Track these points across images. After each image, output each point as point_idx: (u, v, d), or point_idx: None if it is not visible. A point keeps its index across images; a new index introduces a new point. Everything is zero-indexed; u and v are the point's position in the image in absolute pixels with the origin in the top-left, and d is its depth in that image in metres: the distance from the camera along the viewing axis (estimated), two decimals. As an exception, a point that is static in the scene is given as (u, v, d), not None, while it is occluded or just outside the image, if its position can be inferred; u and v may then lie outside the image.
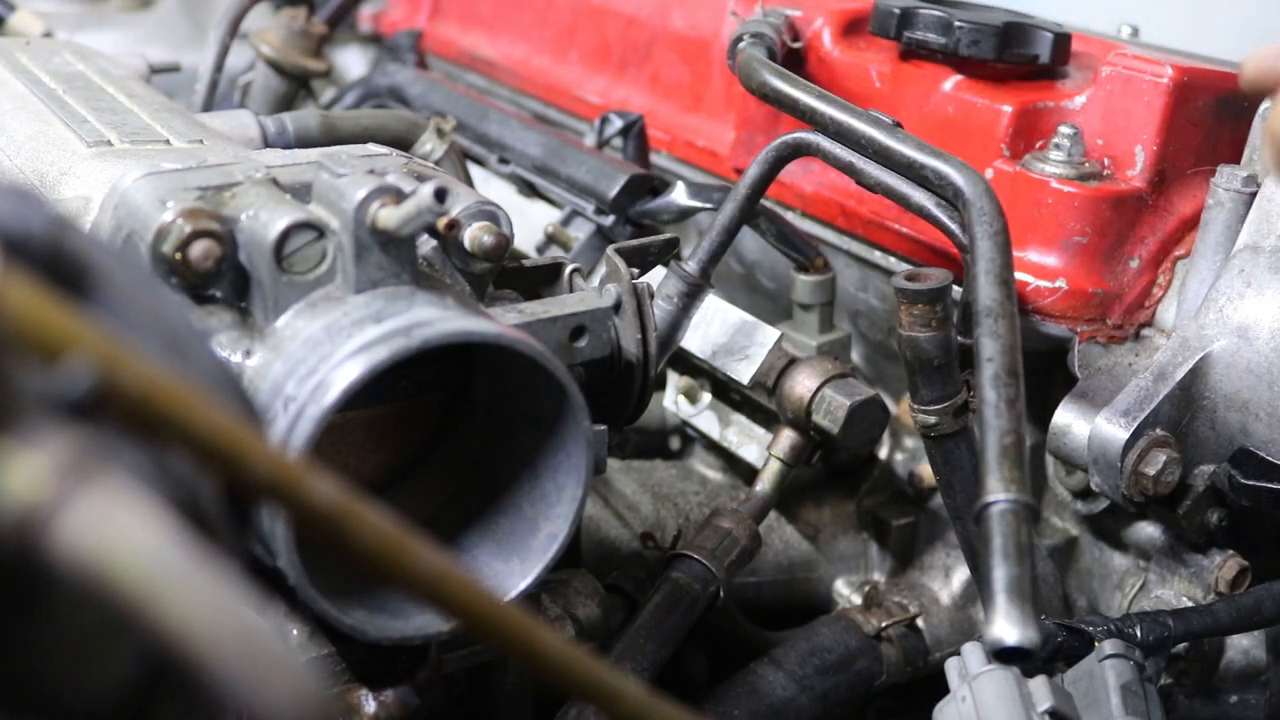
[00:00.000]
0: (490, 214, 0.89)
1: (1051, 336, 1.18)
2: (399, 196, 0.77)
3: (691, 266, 1.16)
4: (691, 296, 1.16)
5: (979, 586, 1.17)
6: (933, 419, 1.05)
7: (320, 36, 1.74)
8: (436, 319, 0.76)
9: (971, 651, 0.94)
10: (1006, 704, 0.89)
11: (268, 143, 1.25)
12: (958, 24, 1.21)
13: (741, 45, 1.28)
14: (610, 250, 0.99)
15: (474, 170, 1.50)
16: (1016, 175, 1.19)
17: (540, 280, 0.99)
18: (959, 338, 1.05)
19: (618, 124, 1.49)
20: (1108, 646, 0.99)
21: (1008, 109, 1.21)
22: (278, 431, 0.74)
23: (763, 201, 1.22)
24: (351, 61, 2.04)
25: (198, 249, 0.77)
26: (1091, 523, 1.27)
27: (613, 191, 1.37)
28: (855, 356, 1.43)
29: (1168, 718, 1.01)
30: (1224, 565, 1.16)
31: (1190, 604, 1.16)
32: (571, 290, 0.97)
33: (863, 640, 1.23)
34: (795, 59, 1.38)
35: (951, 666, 0.96)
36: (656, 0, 1.58)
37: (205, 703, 0.42)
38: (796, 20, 1.38)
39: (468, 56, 1.86)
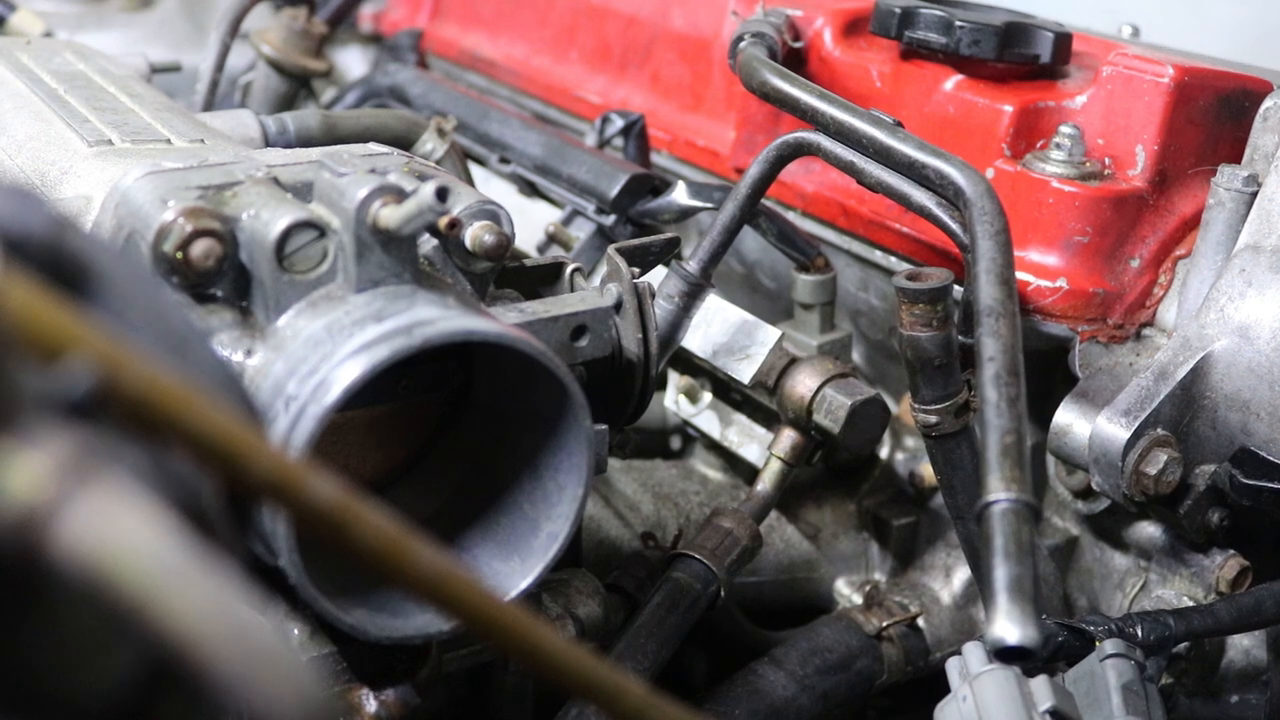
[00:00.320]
0: (491, 213, 0.89)
1: (1052, 336, 1.18)
2: (400, 196, 0.77)
3: (692, 266, 1.16)
4: (692, 296, 1.16)
5: (980, 586, 1.17)
6: (934, 418, 1.05)
7: (321, 36, 1.74)
8: (438, 318, 0.76)
9: (972, 651, 0.94)
10: (1007, 704, 0.89)
11: (269, 142, 1.25)
12: (958, 24, 1.20)
13: (742, 45, 1.28)
14: (611, 250, 0.99)
15: (475, 170, 1.50)
16: (1017, 175, 1.19)
17: (541, 280, 0.99)
18: (960, 337, 1.05)
19: (618, 124, 1.49)
20: (1109, 646, 0.98)
21: (1008, 109, 1.21)
22: (279, 431, 0.74)
23: (763, 201, 1.22)
24: (352, 61, 2.04)
25: (199, 248, 0.77)
26: (1092, 522, 1.27)
27: (613, 191, 1.37)
28: (856, 356, 1.43)
29: (1168, 717, 1.01)
30: (1225, 565, 1.16)
31: (1191, 604, 1.16)
32: (572, 290, 0.97)
33: (863, 640, 1.23)
34: (796, 59, 1.38)
35: (952, 666, 0.96)
36: (657, 0, 1.58)
37: (205, 703, 0.42)
38: (797, 20, 1.38)
39: (468, 56, 1.86)
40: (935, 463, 1.09)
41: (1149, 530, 1.21)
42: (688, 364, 1.35)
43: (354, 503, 0.47)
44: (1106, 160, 1.19)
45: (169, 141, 1.00)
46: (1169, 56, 1.21)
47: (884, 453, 1.38)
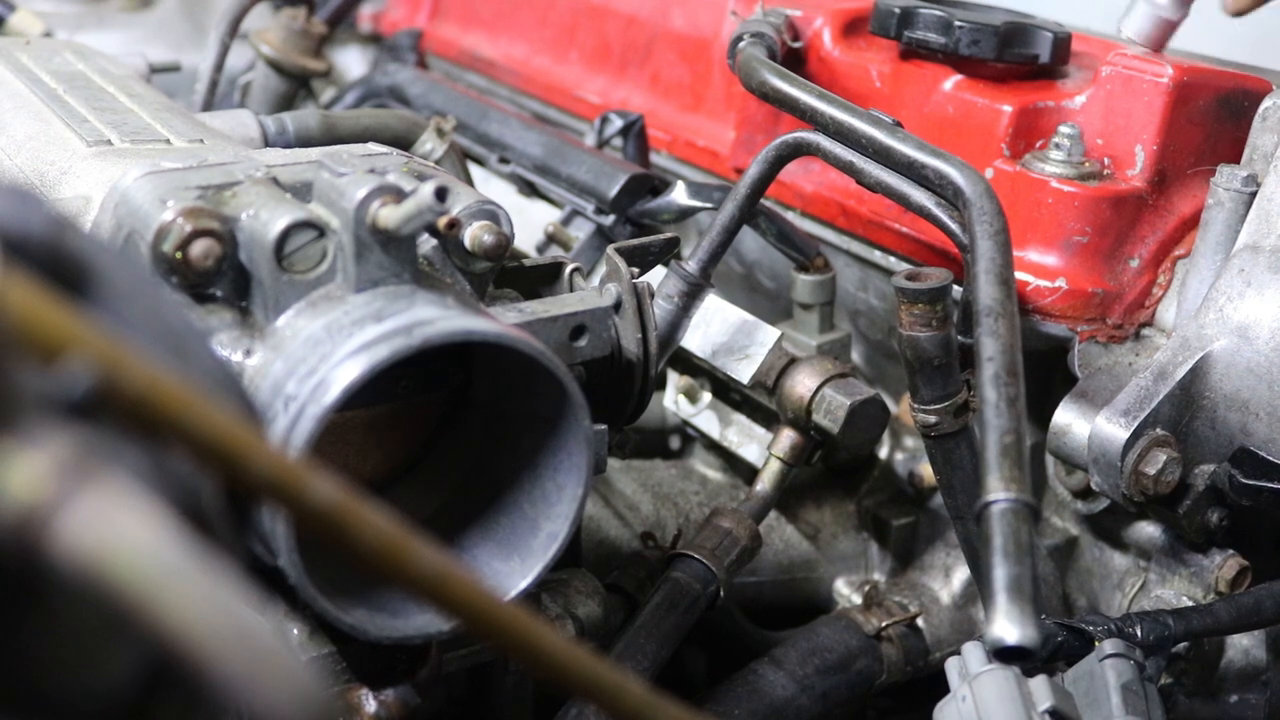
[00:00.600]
0: (491, 213, 0.89)
1: (1052, 336, 1.18)
2: (399, 196, 0.77)
3: (692, 266, 1.16)
4: (692, 296, 1.16)
5: (979, 586, 1.17)
6: (933, 418, 1.05)
7: (320, 36, 1.74)
8: (437, 318, 0.76)
9: (972, 651, 0.94)
10: (1007, 703, 0.89)
11: (268, 142, 1.25)
12: (958, 24, 1.21)
13: (741, 45, 1.28)
14: (610, 250, 0.99)
15: (474, 170, 1.50)
16: (1017, 175, 1.19)
17: (540, 280, 0.99)
18: (959, 337, 1.05)
19: (618, 124, 1.49)
20: (1108, 646, 0.99)
21: (1008, 109, 1.21)
22: (278, 431, 0.74)
23: (763, 201, 1.22)
24: (351, 61, 2.04)
25: (198, 248, 0.77)
26: (1091, 522, 1.27)
27: (613, 191, 1.37)
28: (855, 356, 1.43)
29: (1168, 717, 1.01)
30: (1224, 565, 1.16)
31: (1190, 604, 1.16)
32: (572, 290, 0.97)
33: (863, 640, 1.23)
34: (795, 59, 1.38)
35: (952, 666, 0.96)
36: (656, 0, 1.58)
37: (205, 702, 0.42)
38: (797, 20, 1.38)
39: (468, 56, 1.86)
40: (934, 463, 1.09)
41: (1148, 530, 1.21)
42: (687, 364, 1.35)
43: (354, 503, 0.47)
44: (1106, 160, 1.19)
45: (168, 141, 1.00)
46: (1168, 57, 1.22)
47: (883, 453, 1.38)
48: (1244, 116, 1.18)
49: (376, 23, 2.03)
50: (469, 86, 1.77)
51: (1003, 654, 0.73)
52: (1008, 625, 0.73)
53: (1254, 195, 1.12)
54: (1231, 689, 1.21)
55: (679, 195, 1.35)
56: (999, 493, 0.78)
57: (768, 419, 1.32)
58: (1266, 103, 1.15)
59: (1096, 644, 1.00)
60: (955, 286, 1.05)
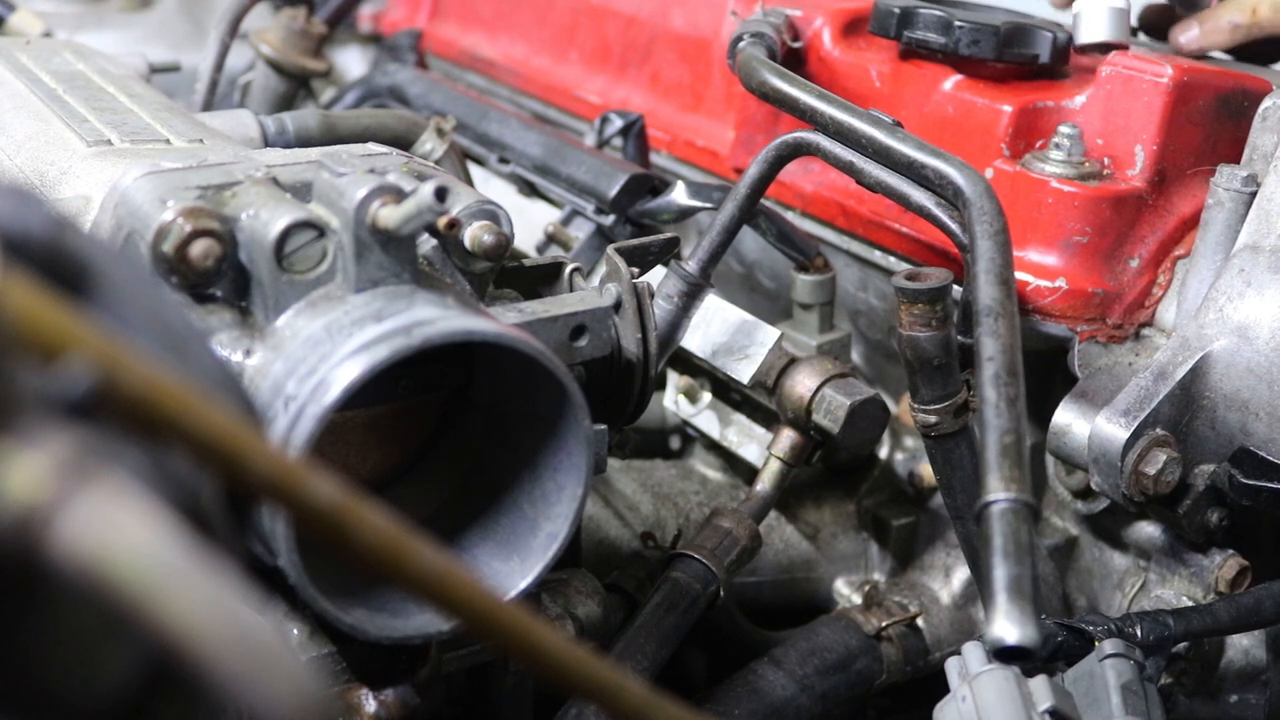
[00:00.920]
0: (491, 213, 0.88)
1: (1052, 336, 1.18)
2: (399, 196, 0.77)
3: (691, 266, 1.16)
4: (691, 296, 1.16)
5: (979, 586, 1.17)
6: (933, 418, 1.05)
7: (320, 36, 1.74)
8: (437, 318, 0.76)
9: (972, 651, 0.94)
10: (1007, 704, 0.89)
11: (268, 142, 1.25)
12: (958, 24, 1.21)
13: (741, 45, 1.28)
14: (610, 250, 0.99)
15: (474, 170, 1.50)
16: (1016, 175, 1.19)
17: (540, 280, 0.99)
18: (959, 337, 1.05)
19: (618, 124, 1.49)
20: (1108, 646, 0.99)
21: (1008, 109, 1.21)
22: (278, 431, 0.74)
23: (763, 201, 1.22)
24: (351, 61, 2.04)
25: (198, 248, 0.77)
26: (1091, 522, 1.27)
27: (613, 191, 1.37)
28: (855, 356, 1.43)
29: (1168, 717, 1.01)
30: (1224, 565, 1.16)
31: (1190, 604, 1.16)
32: (572, 290, 0.97)
33: (863, 640, 1.23)
34: (795, 59, 1.38)
35: (951, 666, 0.96)
36: (656, 0, 1.58)
37: (205, 702, 0.42)
38: (796, 20, 1.38)
39: (468, 56, 1.86)
40: (934, 463, 1.09)
41: (1148, 530, 1.21)
42: (687, 364, 1.35)
43: (353, 503, 0.47)
44: (1106, 160, 1.19)
45: (168, 141, 1.00)
46: (1168, 56, 1.22)
47: (883, 453, 1.38)
48: (1244, 116, 1.18)
49: (376, 23, 2.03)
50: (469, 86, 1.77)
51: (1003, 654, 0.73)
52: (1008, 625, 0.72)
53: (1254, 195, 1.12)
54: (1231, 689, 1.21)
55: (679, 195, 1.35)
56: (999, 493, 0.78)
57: (768, 419, 1.32)
58: (1266, 103, 1.15)
59: (1096, 644, 1.00)
60: (955, 286, 1.05)
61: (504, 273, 0.95)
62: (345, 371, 0.73)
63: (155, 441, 0.43)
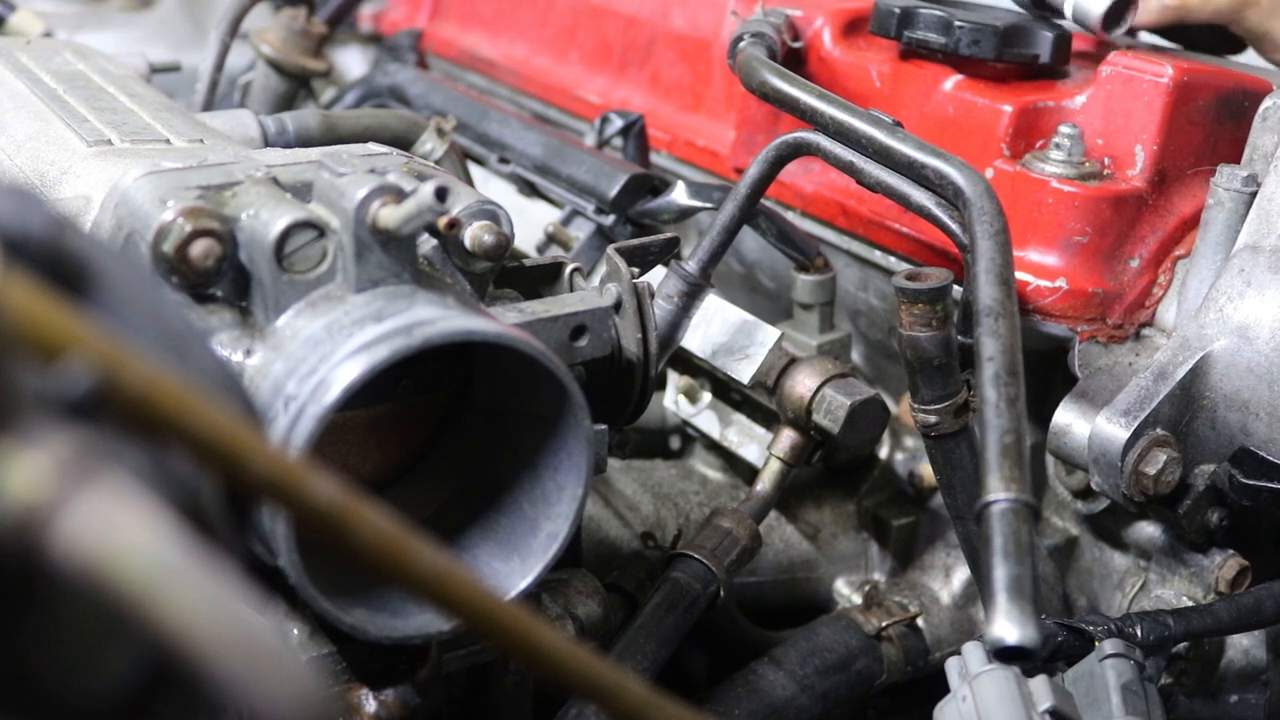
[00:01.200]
0: (491, 213, 0.88)
1: (1052, 336, 1.18)
2: (399, 195, 0.77)
3: (692, 266, 1.16)
4: (692, 296, 1.16)
5: (979, 586, 1.17)
6: (933, 418, 1.05)
7: (320, 36, 1.74)
8: (437, 318, 0.76)
9: (972, 651, 0.94)
10: (1007, 704, 0.89)
11: (268, 142, 1.25)
12: (958, 24, 1.21)
13: (742, 45, 1.28)
14: (610, 250, 0.99)
15: (474, 170, 1.50)
16: (1017, 175, 1.19)
17: (541, 280, 0.99)
18: (959, 337, 1.05)
19: (618, 124, 1.49)
20: (1108, 646, 0.99)
21: (1008, 109, 1.21)
22: (278, 431, 0.74)
23: (763, 201, 1.22)
24: (351, 61, 2.04)
25: (198, 248, 0.77)
26: (1091, 522, 1.27)
27: (613, 191, 1.37)
28: (855, 356, 1.43)
29: (1168, 717, 1.01)
30: (1224, 565, 1.16)
31: (1190, 604, 1.16)
32: (572, 290, 0.97)
33: (863, 640, 1.23)
34: (795, 59, 1.38)
35: (952, 666, 0.96)
36: (656, 0, 1.58)
37: (205, 702, 0.42)
38: (797, 20, 1.38)
39: (468, 56, 1.86)
40: (935, 463, 1.09)
41: (1148, 530, 1.21)
42: (687, 364, 1.35)
43: (354, 502, 0.47)
44: (1106, 160, 1.19)
45: (168, 141, 1.00)
46: (1169, 56, 1.21)
47: (883, 453, 1.38)
48: (1244, 116, 1.18)
49: (376, 23, 2.03)
50: (469, 86, 1.77)
51: (1003, 654, 0.73)
52: (1008, 625, 0.72)
53: (1254, 195, 1.12)
54: (1231, 689, 1.21)
55: (679, 195, 1.35)
56: (999, 493, 0.78)
57: (768, 419, 1.32)
58: (1266, 103, 1.15)
59: (1096, 644, 1.00)
60: (955, 286, 1.05)
61: (504, 273, 0.95)
62: (345, 371, 0.73)
63: (155, 441, 0.43)
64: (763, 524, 1.21)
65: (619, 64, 1.63)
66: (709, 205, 1.33)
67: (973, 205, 1.00)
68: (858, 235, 1.33)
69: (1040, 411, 1.20)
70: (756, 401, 1.31)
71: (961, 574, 1.30)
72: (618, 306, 0.94)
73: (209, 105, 1.56)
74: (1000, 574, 0.74)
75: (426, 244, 0.88)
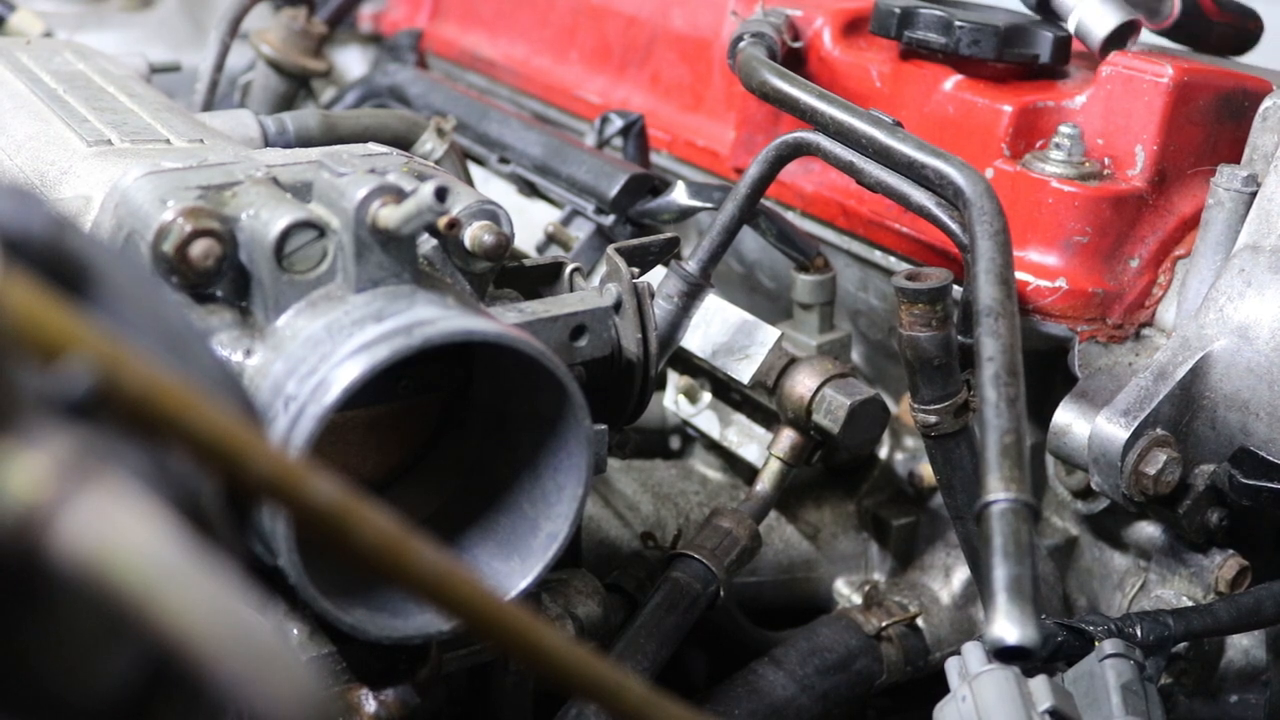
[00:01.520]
0: (491, 213, 0.89)
1: (1052, 336, 1.18)
2: (399, 195, 0.77)
3: (692, 266, 1.16)
4: (692, 296, 1.16)
5: (979, 586, 1.17)
6: (933, 418, 1.05)
7: (320, 36, 1.74)
8: (437, 318, 0.76)
9: (972, 651, 0.94)
10: (1007, 704, 0.89)
11: (268, 142, 1.25)
12: (958, 24, 1.21)
13: (742, 45, 1.28)
14: (610, 250, 0.99)
15: (474, 170, 1.50)
16: (1017, 175, 1.19)
17: (541, 280, 0.99)
18: (959, 337, 1.05)
19: (618, 124, 1.49)
20: (1108, 646, 0.99)
21: (1008, 109, 1.21)
22: (278, 430, 0.74)
23: (763, 201, 1.22)
24: (351, 61, 2.04)
25: (198, 248, 0.77)
26: (1091, 522, 1.27)
27: (613, 191, 1.37)
28: (855, 356, 1.43)
29: (1168, 717, 1.01)
30: (1224, 565, 1.16)
31: (1190, 604, 1.16)
32: (572, 290, 0.97)
33: (863, 640, 1.23)
34: (796, 59, 1.38)
35: (952, 666, 0.96)
36: (656, 0, 1.58)
37: (205, 702, 0.42)
38: (797, 20, 1.38)
39: (468, 56, 1.86)
40: (935, 463, 1.09)
41: (1148, 530, 1.21)
42: (687, 364, 1.35)
43: (354, 502, 0.47)
44: (1106, 160, 1.19)
45: (168, 141, 1.00)
46: (1169, 57, 1.22)
47: (883, 453, 1.38)
48: (1244, 116, 1.18)
49: (376, 23, 2.03)
50: (469, 86, 1.77)
51: (1003, 654, 0.73)
52: (1008, 625, 0.73)
53: (1254, 195, 1.12)
54: (1231, 689, 1.21)
55: (679, 195, 1.35)
56: (999, 493, 0.78)
57: (768, 419, 1.32)
58: (1266, 103, 1.15)
59: (1096, 644, 1.00)
60: (955, 286, 1.05)
61: (504, 273, 0.95)
62: (345, 371, 0.73)
63: (155, 441, 0.43)
64: (763, 524, 1.21)
65: (619, 64, 1.63)
66: (709, 205, 1.33)
67: (973, 205, 1.00)
68: (858, 235, 1.33)
69: (1040, 411, 1.20)
70: (756, 401, 1.31)
71: (961, 574, 1.30)
72: (618, 306, 0.94)
73: (209, 105, 1.56)
74: (1000, 574, 0.74)
75: (426, 244, 0.88)
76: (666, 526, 1.30)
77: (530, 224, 1.42)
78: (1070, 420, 1.12)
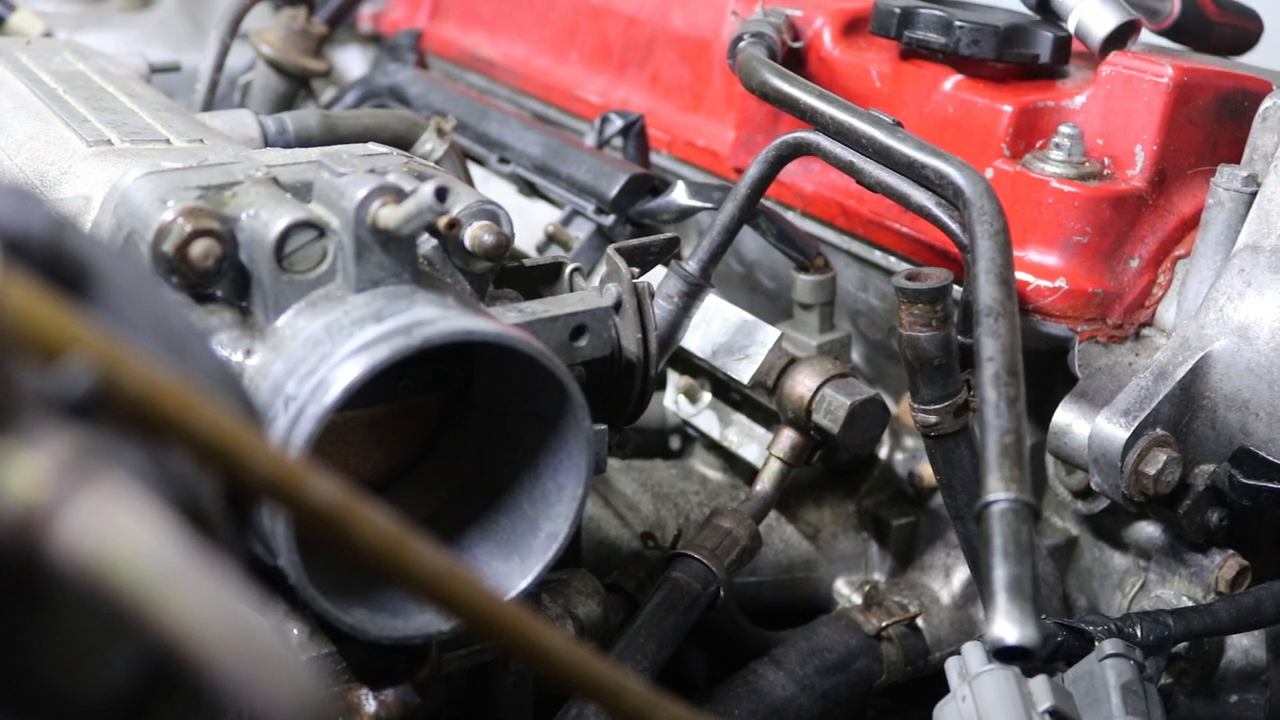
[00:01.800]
0: (491, 213, 0.88)
1: (1052, 336, 1.18)
2: (399, 195, 0.77)
3: (692, 266, 1.16)
4: (692, 296, 1.16)
5: (979, 586, 1.17)
6: (933, 418, 1.05)
7: (320, 36, 1.74)
8: (437, 318, 0.76)
9: (972, 651, 0.94)
10: (1007, 704, 0.89)
11: (268, 142, 1.25)
12: (958, 24, 1.21)
13: (742, 45, 1.28)
14: (610, 250, 0.99)
15: (474, 170, 1.50)
16: (1017, 175, 1.19)
17: (540, 280, 0.99)
18: (959, 337, 1.05)
19: (618, 124, 1.49)
20: (1108, 646, 0.99)
21: (1008, 109, 1.21)
22: (278, 431, 0.74)
23: (763, 201, 1.22)
24: (351, 61, 2.04)
25: (198, 248, 0.77)
26: (1091, 522, 1.27)
27: (613, 191, 1.37)
28: (855, 356, 1.43)
29: (1168, 717, 1.01)
30: (1224, 565, 1.16)
31: (1190, 604, 1.16)
32: (572, 290, 0.97)
33: (863, 640, 1.23)
34: (796, 59, 1.38)
35: (951, 666, 0.96)
36: (656, 0, 1.58)
37: (205, 702, 0.42)
38: (797, 20, 1.38)
39: (468, 56, 1.86)
40: (934, 463, 1.09)
41: (1148, 530, 1.21)
42: (687, 364, 1.35)
43: (354, 502, 0.47)
44: (1106, 160, 1.19)
45: (168, 141, 1.00)
46: (1169, 57, 1.22)
47: (883, 453, 1.38)
48: (1244, 116, 1.18)
49: (376, 23, 2.03)
50: (469, 86, 1.77)
51: (1003, 654, 0.73)
52: (1008, 625, 0.73)
53: (1254, 195, 1.12)
54: (1231, 689, 1.21)
55: (679, 195, 1.35)
56: (999, 493, 0.78)
57: (768, 419, 1.32)
58: (1266, 103, 1.15)
59: (1096, 644, 1.00)
60: (955, 286, 1.05)
61: (504, 273, 0.95)
62: (345, 371, 0.73)
63: (155, 441, 0.43)
64: (763, 524, 1.21)
65: (619, 64, 1.63)
66: (709, 205, 1.33)
67: (973, 205, 1.00)
68: (858, 235, 1.33)
69: (1040, 411, 1.20)
70: (756, 401, 1.31)
71: (961, 574, 1.30)
72: (618, 306, 0.94)
73: (209, 105, 1.56)
74: (1000, 574, 0.74)
75: (426, 244, 0.88)
76: (666, 526, 1.30)
77: (530, 224, 1.42)
78: (1070, 420, 1.12)
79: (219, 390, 0.55)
